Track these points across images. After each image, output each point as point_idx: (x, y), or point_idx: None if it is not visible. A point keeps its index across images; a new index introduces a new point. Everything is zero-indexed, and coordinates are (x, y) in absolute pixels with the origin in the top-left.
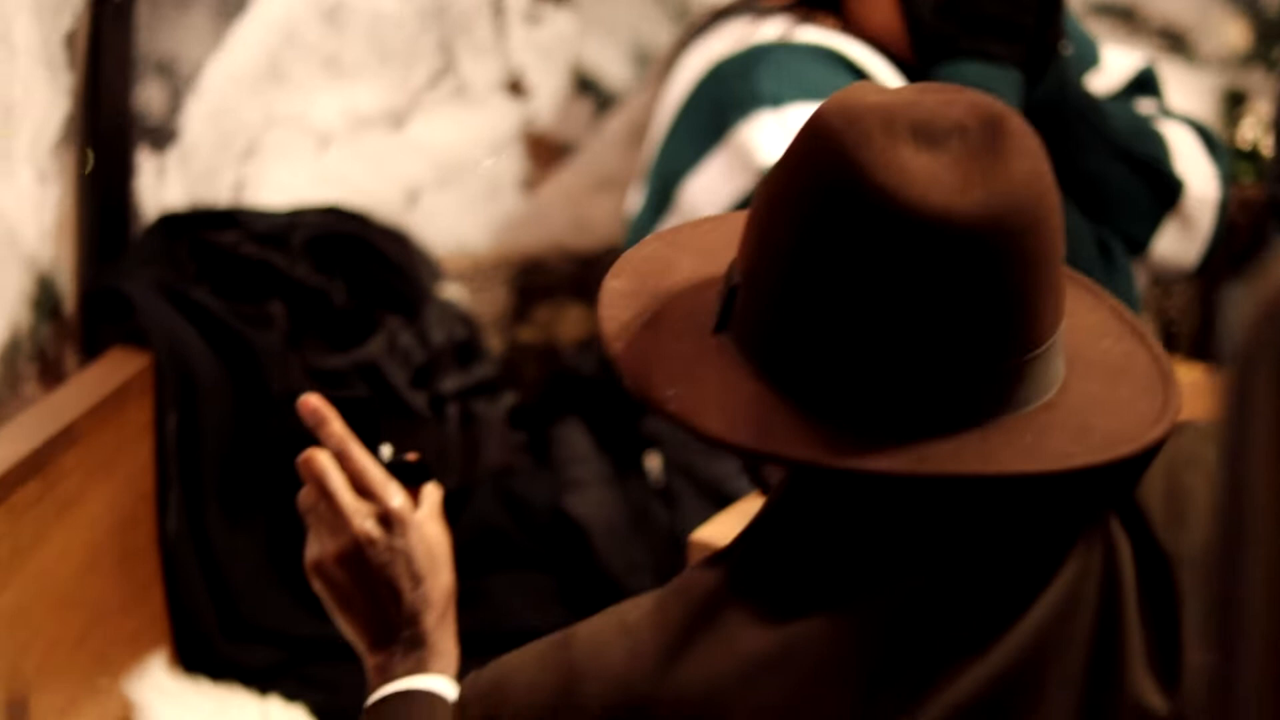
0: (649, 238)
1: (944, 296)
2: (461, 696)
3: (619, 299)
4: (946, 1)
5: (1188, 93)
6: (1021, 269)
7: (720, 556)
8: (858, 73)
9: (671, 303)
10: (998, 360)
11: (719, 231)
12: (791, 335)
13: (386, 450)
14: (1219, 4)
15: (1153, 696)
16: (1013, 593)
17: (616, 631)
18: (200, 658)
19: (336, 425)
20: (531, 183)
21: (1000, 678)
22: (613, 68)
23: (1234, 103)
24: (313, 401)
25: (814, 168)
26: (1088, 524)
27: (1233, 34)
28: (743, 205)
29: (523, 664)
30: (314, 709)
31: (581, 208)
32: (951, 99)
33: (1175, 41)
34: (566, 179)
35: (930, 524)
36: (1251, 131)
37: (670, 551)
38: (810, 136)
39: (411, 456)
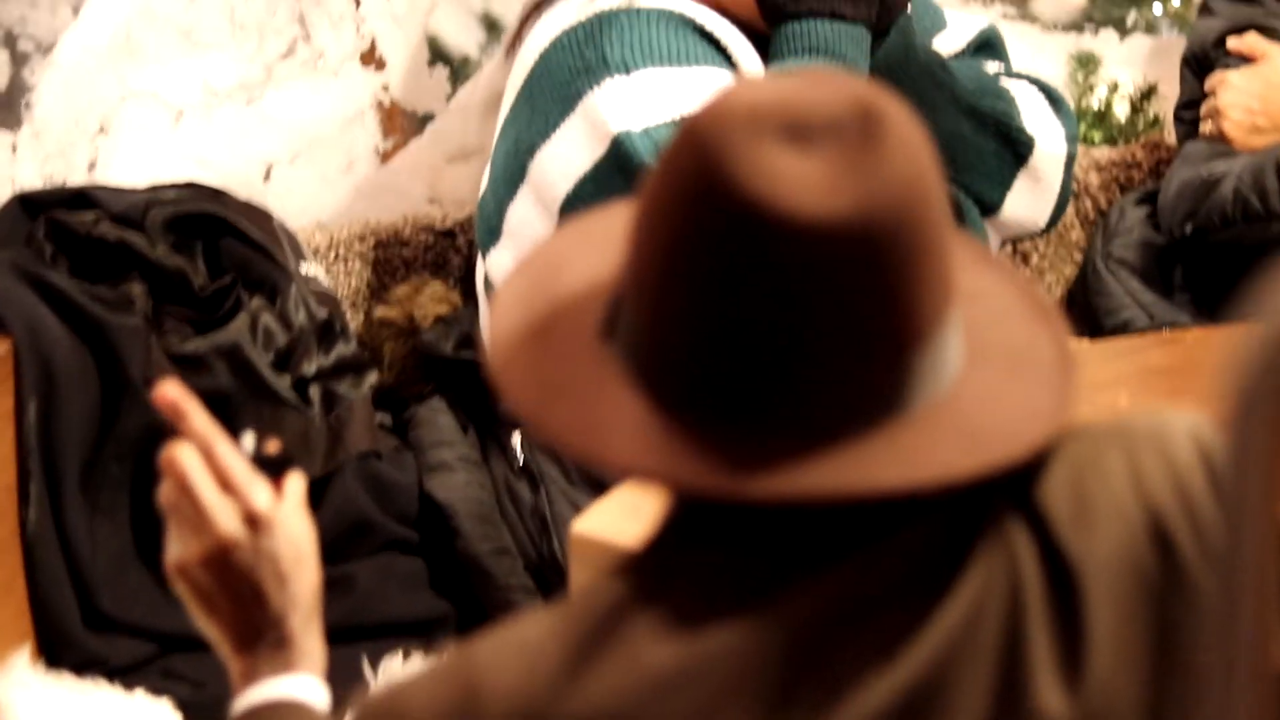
0: (557, 230)
1: (813, 301)
2: (356, 717)
3: (510, 305)
4: None
5: (1037, 56)
6: (896, 266)
7: (622, 568)
8: (706, 35)
9: (563, 308)
10: (875, 360)
11: (625, 224)
12: (670, 348)
13: (249, 440)
14: None
15: (1058, 704)
16: (917, 600)
17: (516, 648)
18: (64, 653)
19: (198, 419)
20: (386, 155)
21: (908, 688)
22: (466, 37)
23: (1084, 65)
24: (171, 393)
25: (682, 175)
26: (987, 526)
27: None
28: (595, 175)
29: (419, 685)
30: (179, 703)
31: (437, 179)
32: (829, 92)
33: (1019, 4)
34: (421, 150)
35: (828, 532)
36: (1102, 93)
37: (536, 532)
38: (680, 141)
39: (273, 447)
